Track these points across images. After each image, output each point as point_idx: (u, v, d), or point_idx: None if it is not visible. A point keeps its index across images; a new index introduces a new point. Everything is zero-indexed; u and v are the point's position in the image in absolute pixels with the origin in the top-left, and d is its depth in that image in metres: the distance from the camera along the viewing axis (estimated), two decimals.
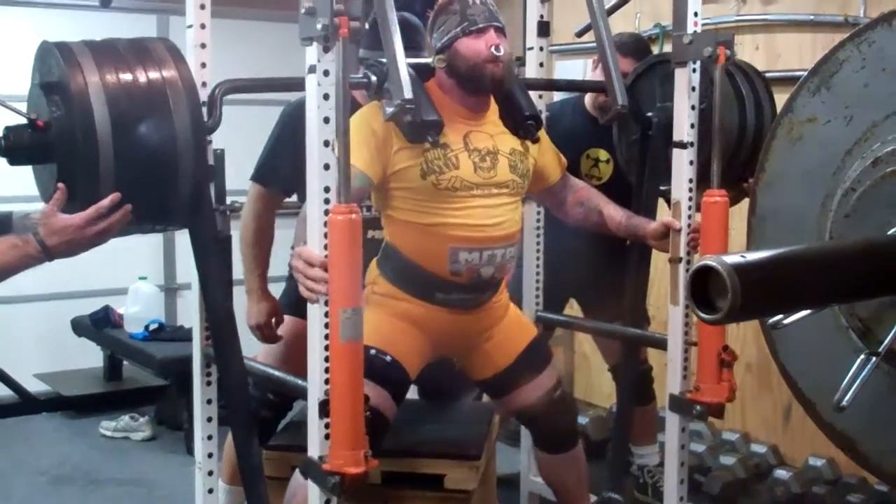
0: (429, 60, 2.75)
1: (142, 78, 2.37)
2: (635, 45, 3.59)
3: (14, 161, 2.38)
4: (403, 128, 2.61)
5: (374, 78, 2.54)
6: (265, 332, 3.21)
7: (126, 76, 2.35)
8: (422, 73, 2.74)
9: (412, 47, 2.68)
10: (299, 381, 2.52)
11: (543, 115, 3.40)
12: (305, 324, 2.94)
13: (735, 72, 3.14)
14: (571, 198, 3.08)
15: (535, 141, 2.89)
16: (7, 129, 2.35)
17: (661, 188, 3.16)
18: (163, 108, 2.37)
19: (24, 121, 2.37)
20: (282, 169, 3.10)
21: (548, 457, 3.07)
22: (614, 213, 3.04)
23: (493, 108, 2.85)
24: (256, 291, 3.19)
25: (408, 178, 2.68)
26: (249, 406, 2.77)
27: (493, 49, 2.69)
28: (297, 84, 2.51)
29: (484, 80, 2.72)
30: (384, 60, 2.49)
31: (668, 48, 3.91)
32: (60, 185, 2.32)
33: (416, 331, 2.78)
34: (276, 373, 2.81)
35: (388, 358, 2.68)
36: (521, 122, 2.85)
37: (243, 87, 2.76)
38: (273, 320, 3.21)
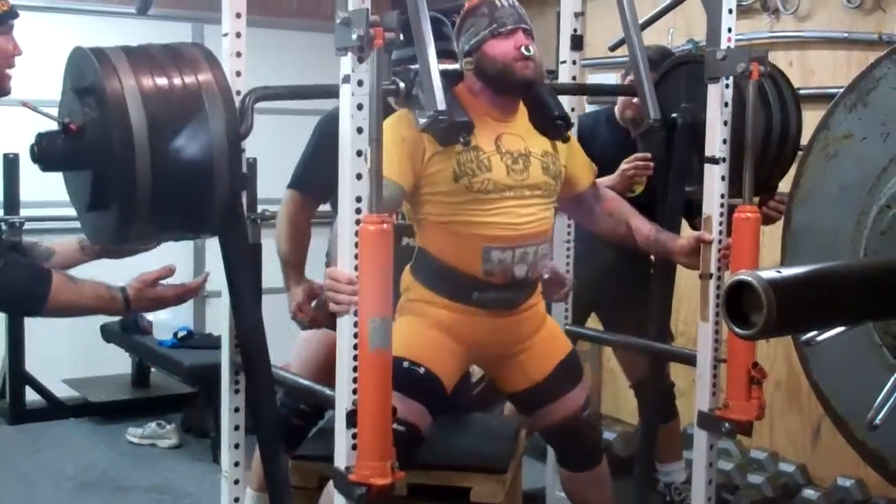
0: (456, 66, 2.74)
1: (177, 82, 2.33)
2: (661, 62, 3.57)
3: (47, 167, 2.36)
4: (434, 131, 2.60)
5: (402, 85, 2.53)
6: (305, 311, 3.06)
7: (162, 80, 2.31)
8: (450, 79, 2.70)
9: (438, 38, 2.66)
10: (327, 391, 2.52)
11: (575, 127, 3.40)
12: (333, 336, 2.94)
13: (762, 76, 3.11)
14: (600, 208, 3.05)
15: (566, 141, 2.88)
16: (39, 135, 2.32)
17: (687, 189, 3.14)
18: (199, 113, 2.32)
19: (56, 127, 2.34)
20: (318, 176, 3.10)
21: (572, 475, 3.02)
22: (642, 227, 3.02)
23: (523, 110, 2.85)
24: (294, 277, 3.11)
25: (440, 181, 2.67)
26: (276, 415, 2.76)
27: (522, 49, 2.69)
28: (329, 91, 2.52)
29: (514, 80, 2.71)
30: (413, 67, 2.48)
31: None
32: (173, 265, 2.47)
33: (451, 341, 2.76)
34: (304, 381, 2.81)
35: (422, 370, 2.67)
36: (550, 123, 2.84)
37: (274, 95, 2.74)
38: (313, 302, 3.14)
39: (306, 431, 3.26)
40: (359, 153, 2.26)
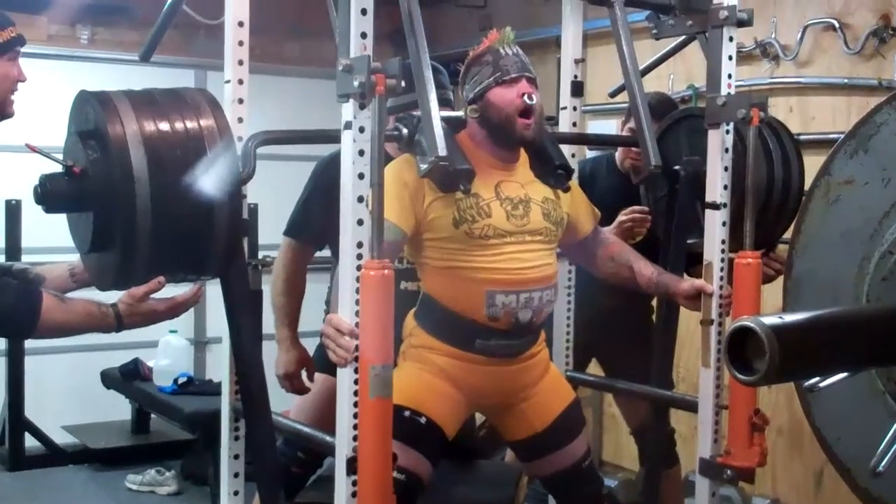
0: (460, 113, 2.76)
1: (179, 126, 2.34)
2: (661, 109, 3.59)
3: (50, 209, 2.37)
4: (435, 177, 2.62)
5: (405, 131, 2.55)
6: (293, 383, 3.21)
7: (164, 124, 2.33)
8: (453, 126, 2.73)
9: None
10: (327, 438, 2.50)
11: (575, 173, 3.41)
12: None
13: (762, 127, 3.13)
14: (602, 252, 3.04)
15: (566, 190, 2.89)
16: (43, 176, 2.34)
17: (689, 241, 3.14)
18: (200, 156, 2.34)
19: (60, 169, 2.35)
20: (313, 222, 3.13)
21: None
22: (644, 269, 3.00)
23: (524, 158, 2.85)
24: (286, 341, 3.21)
25: (441, 227, 2.67)
26: (277, 462, 2.74)
27: (525, 97, 2.70)
28: (331, 136, 2.53)
29: (516, 129, 2.72)
30: (415, 114, 2.50)
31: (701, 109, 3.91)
32: (161, 278, 2.40)
33: (452, 389, 2.74)
34: (305, 428, 2.78)
35: (423, 419, 2.65)
36: (551, 171, 2.85)
37: (277, 139, 2.76)
38: (303, 371, 3.21)
39: (305, 479, 3.25)
40: (360, 199, 2.26)
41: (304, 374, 3.23)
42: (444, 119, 2.50)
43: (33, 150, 2.38)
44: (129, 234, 2.28)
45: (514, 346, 2.76)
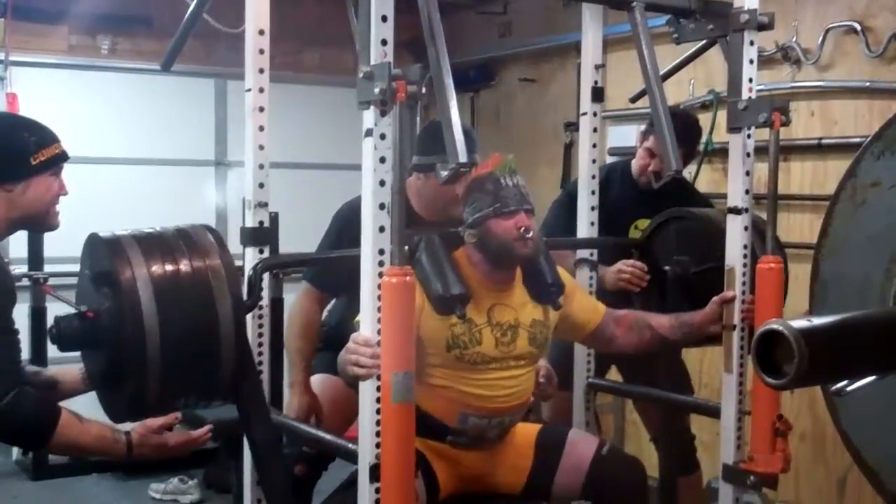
0: (459, 229, 2.84)
1: (186, 268, 2.43)
2: (682, 132, 3.53)
3: (64, 349, 2.48)
4: (432, 299, 2.71)
5: (405, 248, 2.60)
6: None
7: (171, 266, 2.41)
8: (451, 243, 2.83)
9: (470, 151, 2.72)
10: (349, 445, 2.50)
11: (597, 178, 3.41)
12: (340, 382, 2.95)
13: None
14: (619, 330, 3.09)
15: (557, 308, 2.94)
16: (57, 318, 2.44)
17: None
18: (206, 298, 2.42)
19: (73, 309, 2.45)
20: (336, 274, 3.14)
21: None
22: (663, 321, 3.07)
23: (518, 275, 2.92)
24: (299, 385, 3.18)
25: (432, 345, 2.75)
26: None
27: (522, 230, 2.76)
28: (336, 260, 2.73)
29: (512, 257, 2.81)
30: (416, 238, 2.61)
31: (722, 114, 3.89)
32: (178, 414, 2.50)
33: (435, 457, 2.82)
34: (328, 436, 2.78)
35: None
36: (544, 290, 2.92)
37: (282, 264, 2.87)
38: (313, 417, 3.20)
39: (312, 480, 3.23)
40: (381, 206, 2.26)
41: (312, 420, 3.22)
42: (440, 236, 2.72)
43: (49, 292, 2.52)
44: (139, 375, 2.36)
45: (483, 444, 2.87)
